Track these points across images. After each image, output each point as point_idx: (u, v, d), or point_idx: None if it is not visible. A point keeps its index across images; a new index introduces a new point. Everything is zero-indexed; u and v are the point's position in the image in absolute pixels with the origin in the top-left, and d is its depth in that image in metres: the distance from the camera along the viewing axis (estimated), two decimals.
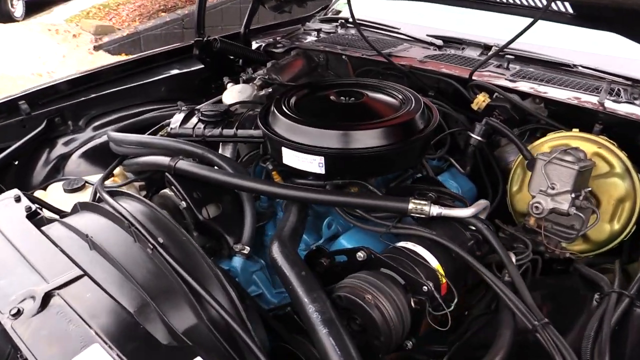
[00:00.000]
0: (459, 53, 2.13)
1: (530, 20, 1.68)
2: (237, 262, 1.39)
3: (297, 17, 2.81)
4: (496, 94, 1.75)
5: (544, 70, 1.89)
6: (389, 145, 1.37)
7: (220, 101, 1.97)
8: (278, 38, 2.51)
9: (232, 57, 2.26)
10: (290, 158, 1.43)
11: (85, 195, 1.64)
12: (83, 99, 1.92)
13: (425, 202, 1.22)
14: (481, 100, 1.74)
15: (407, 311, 1.04)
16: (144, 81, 2.07)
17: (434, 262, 1.14)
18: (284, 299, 1.41)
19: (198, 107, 1.83)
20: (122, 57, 5.83)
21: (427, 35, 2.26)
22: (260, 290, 1.40)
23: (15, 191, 1.31)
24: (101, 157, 1.85)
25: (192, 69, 2.20)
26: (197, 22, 2.08)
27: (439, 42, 2.20)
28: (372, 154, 1.35)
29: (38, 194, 1.65)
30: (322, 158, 1.37)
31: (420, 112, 1.48)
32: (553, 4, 1.52)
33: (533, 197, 1.35)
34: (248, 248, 1.39)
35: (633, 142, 1.51)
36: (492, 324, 1.19)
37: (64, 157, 1.82)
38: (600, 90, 1.70)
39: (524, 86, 1.75)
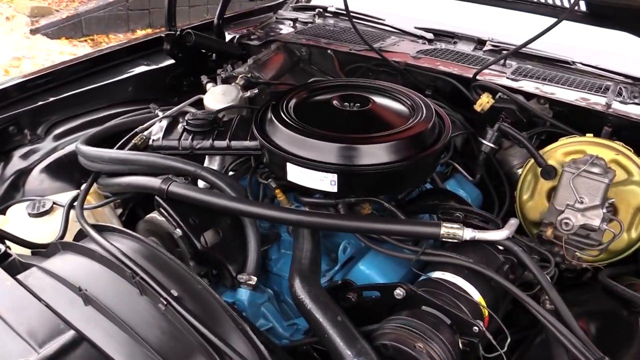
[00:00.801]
0: (451, 47, 2.03)
1: (535, 16, 1.60)
2: (243, 294, 1.24)
3: (267, 5, 2.61)
4: (499, 94, 1.66)
5: (543, 68, 1.83)
6: (409, 158, 1.25)
7: (198, 102, 1.77)
8: (251, 29, 2.31)
9: (204, 51, 2.04)
10: (297, 175, 1.28)
11: (54, 219, 1.42)
12: (41, 103, 1.66)
13: (458, 226, 1.11)
14: (485, 102, 1.65)
15: (458, 355, 0.94)
16: (109, 81, 1.83)
17: (476, 295, 1.05)
18: (295, 332, 1.28)
19: (174, 109, 1.64)
20: (63, 41, 5.36)
21: (416, 28, 2.14)
22: (270, 324, 1.26)
23: None
24: (67, 170, 1.62)
25: (162, 65, 1.98)
26: (167, 14, 1.86)
27: (429, 36, 2.09)
28: (391, 169, 1.23)
29: None
30: (335, 175, 1.24)
31: (434, 119, 1.37)
32: (567, 3, 1.43)
33: (561, 211, 1.27)
34: (255, 278, 1.24)
35: None
36: (532, 351, 1.12)
37: (23, 173, 1.57)
38: (606, 90, 1.65)
39: (528, 86, 1.67)
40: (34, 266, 1.02)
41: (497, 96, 1.67)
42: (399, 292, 1.00)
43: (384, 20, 2.22)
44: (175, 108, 1.69)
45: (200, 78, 1.87)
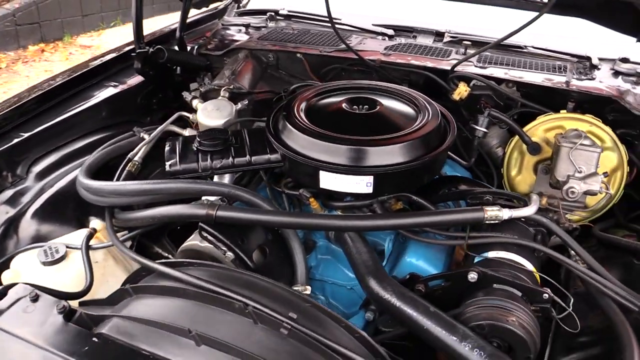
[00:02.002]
0: (412, 41, 2.15)
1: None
2: None
3: (211, 12, 2.55)
4: (474, 82, 1.81)
5: (499, 54, 2.01)
6: (433, 151, 1.34)
7: (179, 120, 1.72)
8: (206, 38, 2.26)
9: (170, 66, 1.97)
10: (330, 181, 1.32)
11: (72, 264, 1.33)
12: (16, 140, 1.51)
13: (498, 208, 1.22)
14: (463, 90, 1.79)
15: (537, 322, 1.05)
16: (81, 108, 1.70)
17: (530, 267, 1.16)
18: None
19: (158, 130, 1.59)
20: None
21: (374, 25, 2.23)
22: None
23: (24, 287, 1.00)
24: (62, 209, 1.50)
25: (132, 85, 1.87)
26: (135, 31, 1.76)
27: (390, 32, 2.19)
28: (420, 164, 1.31)
29: (7, 275, 1.28)
30: (371, 177, 1.29)
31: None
32: None
33: (564, 182, 1.44)
34: (309, 288, 1.27)
35: (601, 115, 1.68)
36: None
37: (14, 220, 1.42)
38: (560, 69, 1.87)
39: (498, 72, 1.84)
40: (111, 317, 0.95)
41: (471, 84, 1.82)
42: (473, 276, 1.09)
43: (340, 19, 2.28)
44: (160, 128, 1.65)
45: (182, 94, 1.81)
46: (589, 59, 1.95)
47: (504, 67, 1.88)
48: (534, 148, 1.63)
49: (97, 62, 1.89)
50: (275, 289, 0.96)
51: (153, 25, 2.40)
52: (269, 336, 0.88)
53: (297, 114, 1.44)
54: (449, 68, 1.85)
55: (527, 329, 0.99)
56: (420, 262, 1.30)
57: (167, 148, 1.43)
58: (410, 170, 1.31)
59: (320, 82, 1.97)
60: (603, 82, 1.82)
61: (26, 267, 1.30)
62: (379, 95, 1.55)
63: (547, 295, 1.07)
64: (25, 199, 1.46)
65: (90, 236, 1.37)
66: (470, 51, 2.03)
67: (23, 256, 1.34)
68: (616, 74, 1.90)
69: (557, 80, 1.79)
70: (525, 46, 2.04)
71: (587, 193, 1.42)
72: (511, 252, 1.18)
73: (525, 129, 1.67)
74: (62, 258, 1.31)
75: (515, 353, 1.00)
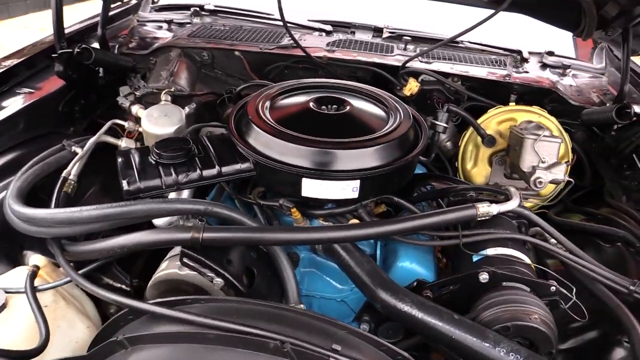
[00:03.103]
0: (351, 37, 2.10)
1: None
2: None
3: (124, 8, 2.28)
4: (422, 77, 1.82)
5: (440, 49, 2.03)
6: (412, 151, 1.31)
7: (113, 130, 1.52)
8: (125, 36, 2.02)
9: (93, 67, 1.72)
10: (314, 189, 1.23)
11: (16, 313, 1.09)
12: None
13: (488, 204, 1.21)
14: (414, 86, 1.79)
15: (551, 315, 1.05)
16: None
17: (527, 260, 1.17)
18: None
19: (91, 141, 1.39)
20: None
21: (309, 21, 2.15)
22: None
23: None
24: None
25: (50, 91, 1.59)
26: (56, 31, 1.50)
27: (328, 27, 2.13)
28: (404, 164, 1.27)
29: None
30: (358, 182, 1.23)
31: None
32: None
33: (530, 173, 1.48)
34: (302, 305, 1.16)
35: (541, 105, 1.78)
36: None
37: None
38: (497, 63, 1.94)
39: (444, 67, 1.86)
40: None
41: (419, 79, 1.82)
42: (485, 277, 1.07)
43: (272, 15, 2.17)
44: (93, 139, 1.45)
45: (117, 100, 1.58)
46: (519, 52, 2.05)
47: (448, 62, 1.91)
48: (490, 140, 1.67)
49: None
50: (305, 319, 0.85)
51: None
52: None
53: (265, 117, 1.32)
54: (396, 64, 1.84)
55: (548, 325, 1.00)
56: (413, 265, 1.26)
57: (120, 163, 1.23)
58: (395, 171, 1.27)
59: (263, 81, 1.85)
60: (533, 74, 1.93)
61: None
62: (344, 94, 1.48)
63: (554, 287, 1.08)
64: None
65: (33, 275, 1.14)
66: (410, 47, 2.04)
67: None
68: (544, 66, 2.02)
69: (499, 73, 1.85)
70: (462, 41, 2.09)
71: (553, 182, 1.48)
72: (507, 248, 1.18)
73: (478, 122, 1.70)
74: (3, 307, 1.07)
75: (538, 349, 1.00)
